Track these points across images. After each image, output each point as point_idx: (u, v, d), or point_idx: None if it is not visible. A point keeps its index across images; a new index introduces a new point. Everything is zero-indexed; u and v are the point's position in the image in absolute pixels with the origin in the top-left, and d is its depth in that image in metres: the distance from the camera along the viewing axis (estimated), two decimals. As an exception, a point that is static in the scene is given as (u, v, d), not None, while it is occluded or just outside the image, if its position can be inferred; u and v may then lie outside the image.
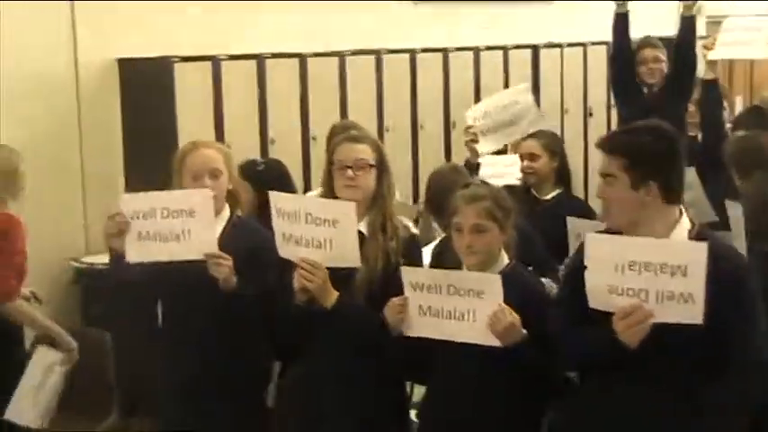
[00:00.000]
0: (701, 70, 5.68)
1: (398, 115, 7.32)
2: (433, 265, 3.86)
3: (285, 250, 3.55)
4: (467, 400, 3.34)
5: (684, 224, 3.05)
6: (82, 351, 4.74)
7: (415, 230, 3.97)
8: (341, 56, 6.97)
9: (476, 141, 5.14)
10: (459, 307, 3.24)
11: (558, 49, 8.55)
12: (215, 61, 6.27)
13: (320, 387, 3.62)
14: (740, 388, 2.99)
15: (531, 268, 3.63)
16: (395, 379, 3.70)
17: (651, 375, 2.98)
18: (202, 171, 3.73)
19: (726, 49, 5.35)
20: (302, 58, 6.72)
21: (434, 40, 7.72)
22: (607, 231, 3.15)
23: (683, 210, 3.09)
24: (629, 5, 5.93)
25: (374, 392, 3.57)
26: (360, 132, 3.95)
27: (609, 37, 6.12)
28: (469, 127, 5.22)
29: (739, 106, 9.06)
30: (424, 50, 7.53)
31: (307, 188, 6.40)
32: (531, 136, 5.02)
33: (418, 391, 4.00)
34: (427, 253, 4.06)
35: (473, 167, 4.98)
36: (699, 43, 5.79)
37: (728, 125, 6.14)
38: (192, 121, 6.05)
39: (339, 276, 3.48)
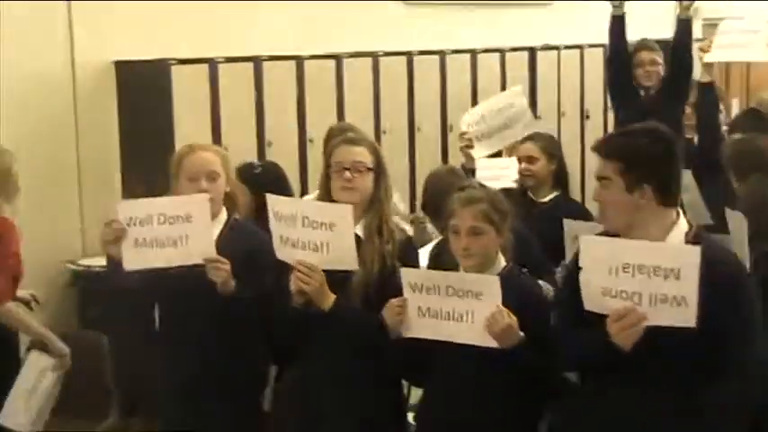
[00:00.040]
0: (698, 73, 5.68)
1: (395, 118, 7.32)
2: (431, 267, 3.86)
3: (282, 253, 3.55)
4: (465, 401, 3.34)
5: (681, 227, 3.05)
6: (79, 353, 4.73)
7: (410, 233, 3.97)
8: (338, 58, 6.98)
9: (471, 147, 5.15)
10: (457, 308, 3.24)
11: (554, 52, 8.56)
12: (212, 64, 6.27)
13: (318, 389, 3.62)
14: (738, 390, 2.99)
15: (527, 271, 3.63)
16: (392, 381, 3.70)
17: (646, 378, 2.98)
18: (199, 173, 3.73)
19: (722, 52, 5.35)
20: (299, 60, 6.73)
21: (431, 43, 7.72)
22: (604, 234, 3.16)
23: (681, 212, 3.09)
24: (626, 8, 5.93)
25: (372, 394, 3.57)
26: (357, 135, 3.96)
27: (606, 39, 6.13)
28: (464, 133, 5.23)
29: (736, 109, 9.06)
30: (421, 53, 7.54)
31: (304, 190, 6.40)
32: (528, 139, 5.03)
33: (415, 393, 4.00)
34: (424, 255, 4.06)
35: (469, 173, 4.98)
36: (695, 46, 5.80)
37: (725, 128, 6.15)
38: (188, 123, 6.05)
39: (336, 279, 3.48)
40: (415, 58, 7.48)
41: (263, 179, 4.49)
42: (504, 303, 3.19)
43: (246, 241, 3.75)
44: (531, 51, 8.39)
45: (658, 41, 6.12)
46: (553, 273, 4.23)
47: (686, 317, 2.84)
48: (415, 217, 5.11)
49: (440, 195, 4.05)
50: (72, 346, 4.81)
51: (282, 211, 3.53)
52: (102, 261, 5.78)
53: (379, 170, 3.64)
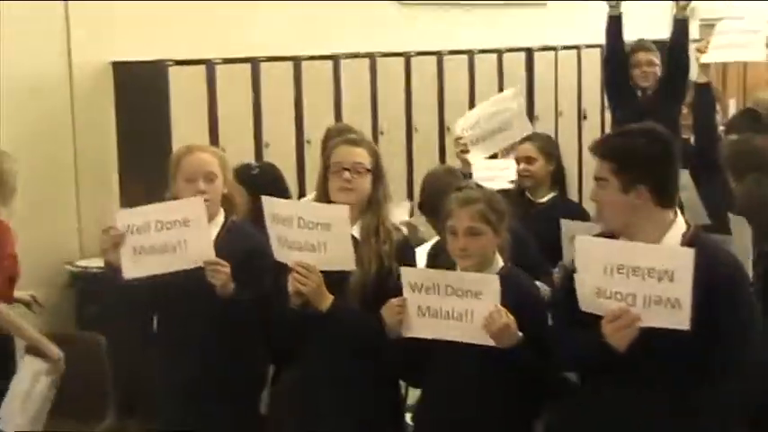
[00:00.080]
0: (694, 74, 5.69)
1: (393, 118, 7.32)
2: (429, 267, 3.86)
3: (280, 254, 3.55)
4: (465, 401, 3.34)
5: (679, 227, 3.05)
6: (77, 354, 4.73)
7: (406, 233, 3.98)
8: (335, 59, 6.98)
9: (466, 151, 5.16)
10: (457, 308, 3.24)
11: (552, 52, 8.56)
12: (209, 65, 6.27)
13: (316, 390, 3.63)
14: (736, 391, 2.99)
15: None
16: (390, 381, 3.70)
17: (641, 378, 2.99)
18: (196, 174, 3.73)
19: (719, 53, 5.36)
20: (296, 61, 6.73)
21: (428, 44, 7.73)
22: (602, 234, 3.16)
23: (678, 212, 3.09)
24: (623, 8, 5.94)
25: (370, 395, 3.58)
26: (357, 136, 3.96)
27: (603, 40, 6.14)
28: (459, 138, 5.24)
29: (733, 109, 9.06)
30: (419, 54, 7.54)
31: (301, 191, 6.40)
32: (527, 139, 5.03)
33: (413, 394, 4.00)
34: (421, 255, 4.06)
35: (466, 177, 4.99)
36: (692, 46, 5.80)
37: (721, 128, 6.15)
38: (186, 124, 6.05)
39: (333, 280, 3.48)
40: (413, 59, 7.48)
41: (260, 180, 4.49)
42: (502, 303, 3.19)
43: (244, 243, 3.75)
44: (529, 52, 8.40)
45: (655, 42, 6.13)
46: (550, 273, 4.23)
47: (680, 319, 2.85)
48: (408, 222, 5.11)
49: (437, 195, 4.05)
50: (69, 346, 4.81)
51: (279, 212, 3.53)
52: (99, 262, 5.80)
53: (377, 172, 3.64)
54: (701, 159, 5.14)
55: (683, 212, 3.14)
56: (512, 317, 3.18)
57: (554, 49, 8.58)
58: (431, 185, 4.47)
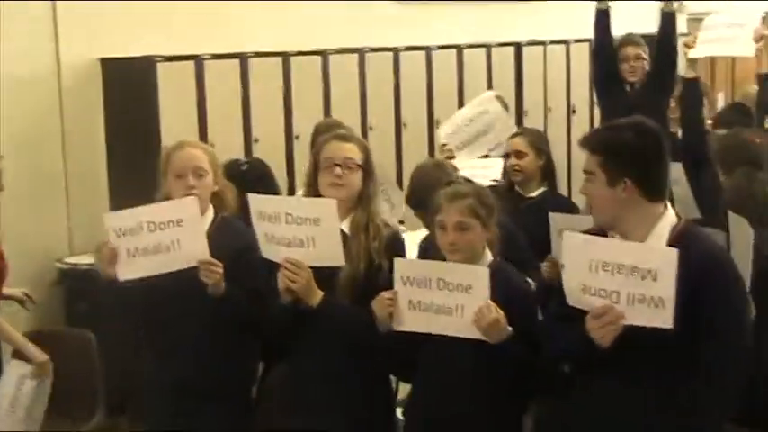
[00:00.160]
0: (682, 68, 5.70)
1: (382, 114, 7.33)
2: (420, 255, 3.87)
3: (268, 252, 3.55)
4: (455, 395, 3.34)
5: (668, 220, 3.04)
6: (66, 352, 4.73)
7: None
8: (324, 54, 6.98)
9: (452, 157, 5.17)
10: (447, 302, 3.25)
11: (540, 47, 8.57)
12: (198, 61, 6.26)
13: (306, 386, 3.62)
14: (730, 386, 2.99)
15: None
16: (381, 377, 3.70)
17: (628, 374, 2.99)
18: (186, 169, 3.72)
19: (707, 47, 5.37)
20: (285, 56, 6.73)
21: (417, 39, 7.72)
22: (594, 229, 3.17)
23: (668, 205, 3.09)
24: (611, 2, 5.94)
25: (360, 390, 3.57)
26: (347, 131, 3.96)
27: (591, 34, 6.14)
28: (444, 145, 5.26)
29: (721, 103, 9.09)
30: (408, 49, 7.54)
31: (291, 187, 6.41)
32: (517, 134, 5.05)
33: (403, 389, 4.00)
34: (411, 245, 4.04)
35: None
36: (680, 40, 5.81)
37: (709, 122, 6.17)
38: (175, 120, 6.04)
39: (323, 276, 3.48)
40: (401, 54, 7.48)
41: (249, 176, 4.49)
42: (492, 297, 3.19)
43: (235, 239, 3.74)
44: (518, 47, 8.40)
45: (643, 36, 6.13)
46: (538, 268, 4.23)
47: (663, 318, 2.85)
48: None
49: (425, 190, 4.05)
50: (59, 344, 4.81)
51: (265, 209, 3.53)
52: (88, 259, 5.83)
53: (367, 167, 3.63)
54: (689, 154, 5.15)
55: (673, 206, 3.14)
56: (501, 312, 3.19)
57: (543, 43, 8.59)
58: (419, 180, 4.47)
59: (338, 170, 3.56)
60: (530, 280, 3.89)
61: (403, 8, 8.00)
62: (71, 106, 6.20)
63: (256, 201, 3.58)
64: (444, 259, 3.41)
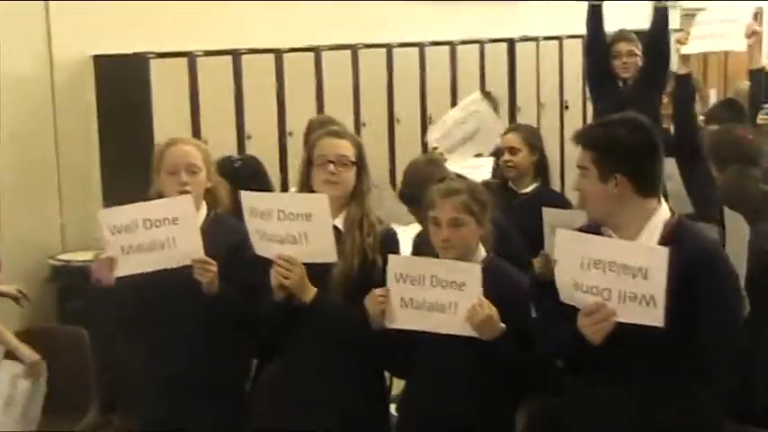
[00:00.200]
0: (675, 64, 5.70)
1: (375, 110, 7.33)
2: (415, 250, 3.86)
3: (261, 248, 3.55)
4: (448, 392, 3.34)
5: (661, 215, 3.05)
6: (59, 349, 4.72)
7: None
8: (317, 51, 6.97)
9: (444, 160, 5.17)
10: (440, 299, 3.25)
11: (533, 43, 8.58)
12: (191, 57, 6.25)
13: (300, 382, 3.62)
14: (724, 383, 3.00)
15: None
16: (375, 373, 3.70)
17: (619, 370, 3.00)
18: (179, 166, 3.72)
19: (700, 43, 5.36)
20: (278, 53, 6.72)
21: (410, 35, 7.72)
22: (588, 225, 3.17)
23: (662, 200, 3.09)
24: (603, -2, 5.96)
25: (354, 387, 3.57)
26: (340, 128, 3.96)
27: (584, 30, 6.15)
28: (435, 148, 5.26)
29: (713, 98, 9.10)
30: (400, 45, 7.54)
31: (284, 183, 6.40)
32: (510, 130, 5.06)
33: (397, 385, 4.01)
34: (405, 239, 4.04)
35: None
36: (673, 36, 5.81)
37: (701, 117, 6.17)
38: (168, 117, 6.03)
39: (316, 273, 3.48)
40: (394, 51, 7.48)
41: (242, 173, 4.49)
42: (486, 293, 3.20)
43: (228, 236, 3.73)
44: (510, 43, 8.41)
45: (636, 32, 6.14)
46: (531, 265, 4.24)
47: (654, 316, 2.86)
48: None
49: (418, 185, 4.06)
50: (52, 341, 4.81)
51: (257, 206, 3.53)
52: (81, 256, 5.83)
53: (361, 164, 3.63)
54: (682, 149, 5.15)
55: (667, 201, 3.14)
56: (494, 308, 3.19)
57: (535, 39, 8.59)
58: (412, 175, 4.47)
59: (332, 167, 3.56)
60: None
61: (395, 5, 8.00)
62: (64, 103, 6.19)
63: (248, 198, 3.58)
64: (437, 255, 3.41)
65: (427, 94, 7.66)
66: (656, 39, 5.86)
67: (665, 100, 5.85)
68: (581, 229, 3.21)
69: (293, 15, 7.15)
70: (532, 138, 4.95)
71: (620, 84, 5.98)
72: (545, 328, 3.19)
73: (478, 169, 5.01)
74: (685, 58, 5.38)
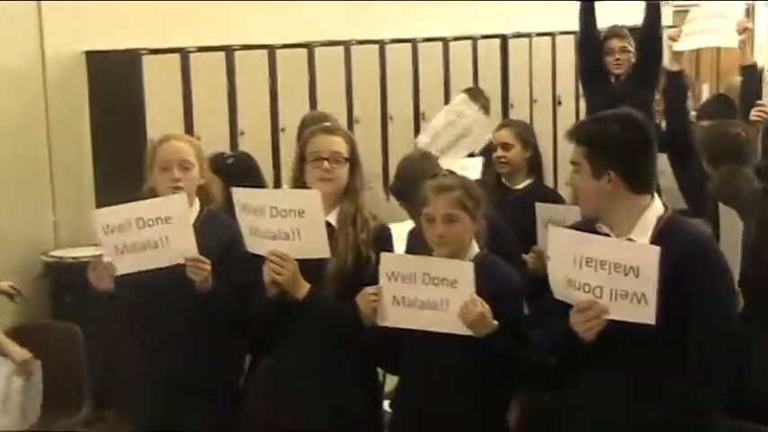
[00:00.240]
0: (667, 61, 5.71)
1: (368, 106, 7.32)
2: (409, 244, 3.86)
3: (253, 245, 3.55)
4: (441, 389, 3.34)
5: (654, 211, 3.05)
6: (53, 345, 4.72)
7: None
8: (310, 47, 6.97)
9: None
10: (432, 297, 3.25)
11: (526, 39, 8.58)
12: (183, 53, 6.25)
13: (293, 379, 3.62)
14: (712, 377, 2.99)
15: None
16: (368, 369, 3.70)
17: (612, 367, 3.01)
18: (171, 162, 3.72)
19: (691, 39, 5.36)
20: (271, 49, 6.72)
21: (403, 31, 7.72)
22: (581, 221, 3.17)
23: (655, 196, 3.09)
24: (596, -6, 5.96)
25: (347, 383, 3.57)
26: (333, 124, 3.96)
27: (577, 26, 6.15)
28: None
29: (706, 94, 9.11)
30: (393, 41, 7.54)
31: (277, 179, 6.40)
32: (503, 126, 5.05)
33: (390, 381, 4.01)
34: (398, 236, 4.04)
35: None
36: (665, 33, 5.82)
37: (693, 113, 6.18)
38: (160, 113, 6.03)
39: (309, 269, 3.48)
40: (387, 47, 7.48)
41: (235, 170, 4.49)
42: (479, 289, 3.20)
43: (221, 233, 3.73)
44: (503, 39, 8.41)
45: (629, 28, 6.15)
46: (524, 261, 4.25)
47: (646, 314, 2.87)
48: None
49: (410, 181, 4.07)
50: (45, 337, 4.80)
51: (250, 202, 3.53)
52: (74, 252, 5.82)
53: (354, 160, 3.64)
54: (674, 145, 5.16)
55: (660, 197, 3.15)
56: (487, 306, 3.19)
57: (528, 36, 8.59)
58: (404, 170, 4.47)
59: (326, 164, 3.56)
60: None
61: (388, 1, 7.99)
62: (56, 100, 6.18)
63: (240, 194, 3.57)
64: (430, 251, 3.41)
65: (420, 91, 7.66)
66: (649, 35, 5.87)
67: (657, 96, 5.86)
68: (575, 226, 3.22)
69: (286, 12, 7.15)
70: (525, 134, 4.95)
71: (613, 80, 5.99)
72: (538, 323, 3.19)
73: (468, 170, 5.01)
74: (677, 55, 5.39)
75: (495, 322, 3.20)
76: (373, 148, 7.19)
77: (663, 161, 4.70)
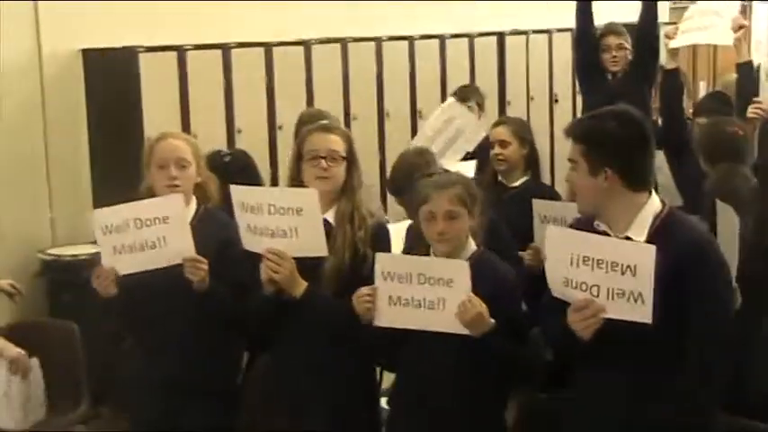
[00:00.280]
0: (663, 58, 5.71)
1: (364, 103, 7.32)
2: (407, 243, 3.87)
3: (250, 243, 3.55)
4: (439, 387, 3.34)
5: (652, 208, 3.05)
6: (50, 342, 4.72)
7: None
8: (306, 44, 6.96)
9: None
10: (428, 296, 3.25)
11: (523, 37, 8.57)
12: (180, 51, 6.24)
13: (291, 377, 3.62)
14: (710, 374, 2.99)
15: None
16: (365, 367, 3.71)
17: (610, 365, 3.01)
18: (168, 160, 3.72)
19: (687, 36, 5.38)
20: (268, 47, 6.71)
21: (400, 29, 7.72)
22: (582, 216, 3.18)
23: (653, 193, 3.09)
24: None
25: (345, 381, 3.58)
26: (331, 122, 3.95)
27: (573, 24, 6.15)
28: None
29: (703, 91, 9.12)
30: (390, 39, 7.53)
31: (274, 177, 6.40)
32: (500, 123, 5.05)
33: (388, 378, 4.01)
34: (396, 236, 4.04)
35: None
36: (662, 30, 5.83)
37: (690, 110, 6.19)
38: (157, 111, 6.02)
39: (307, 267, 3.48)
40: (384, 44, 7.47)
41: (232, 167, 4.49)
42: (476, 287, 3.20)
43: (218, 231, 3.73)
44: (500, 36, 8.40)
45: (625, 25, 6.15)
46: (520, 259, 4.25)
47: (642, 313, 2.87)
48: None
49: (404, 176, 4.08)
50: (42, 334, 4.81)
51: (248, 200, 3.53)
52: (71, 250, 5.82)
53: (351, 158, 3.64)
54: (670, 142, 5.17)
55: (657, 194, 3.15)
56: (484, 305, 3.19)
57: (525, 33, 8.59)
58: (399, 165, 4.48)
59: (324, 163, 3.56)
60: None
61: (385, -2, 7.99)
62: (53, 98, 6.18)
63: (238, 192, 3.58)
64: (427, 248, 3.41)
65: (417, 88, 7.65)
66: (646, 32, 5.88)
67: (654, 94, 5.87)
68: (573, 224, 3.22)
69: (283, 9, 7.14)
70: (522, 131, 4.95)
71: (610, 77, 6.00)
72: (545, 319, 3.20)
73: (462, 172, 5.01)
74: (674, 53, 5.40)
75: (493, 321, 3.20)
76: (370, 146, 7.18)
77: (659, 158, 4.71)
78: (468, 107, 5.77)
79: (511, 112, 8.03)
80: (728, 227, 3.84)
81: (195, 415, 3.71)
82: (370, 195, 4.81)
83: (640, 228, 3.02)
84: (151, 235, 3.57)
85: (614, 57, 5.93)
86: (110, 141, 6.20)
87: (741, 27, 5.21)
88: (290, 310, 3.52)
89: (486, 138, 5.11)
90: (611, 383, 3.02)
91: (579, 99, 6.98)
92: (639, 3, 5.97)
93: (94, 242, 3.69)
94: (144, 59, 6.06)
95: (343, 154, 3.60)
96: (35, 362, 4.55)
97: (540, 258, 3.99)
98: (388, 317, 3.33)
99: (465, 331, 3.20)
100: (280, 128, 6.63)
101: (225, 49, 6.47)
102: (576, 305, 2.96)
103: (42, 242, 6.08)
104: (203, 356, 3.74)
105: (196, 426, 3.72)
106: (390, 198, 4.84)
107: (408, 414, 3.47)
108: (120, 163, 5.69)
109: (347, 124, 6.83)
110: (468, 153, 5.30)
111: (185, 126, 6.09)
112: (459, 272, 3.21)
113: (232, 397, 3.89)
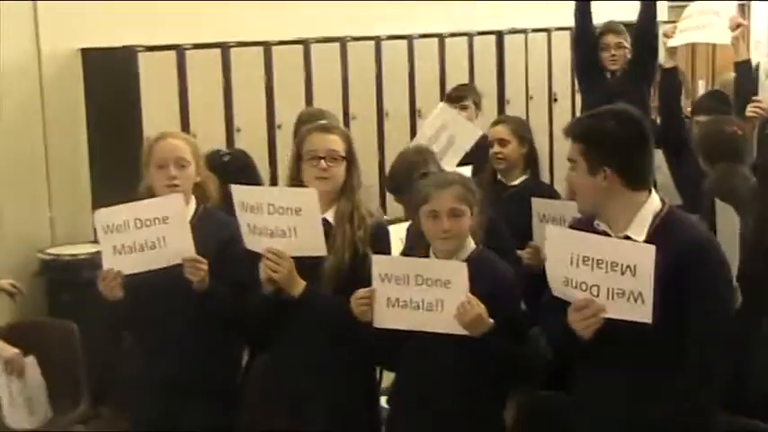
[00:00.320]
0: (662, 57, 5.72)
1: (364, 103, 7.31)
2: (407, 243, 3.87)
3: (251, 242, 3.55)
4: (438, 387, 3.35)
5: (651, 207, 3.05)
6: (49, 342, 4.72)
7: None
8: (305, 44, 6.96)
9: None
10: (427, 297, 3.25)
11: (522, 35, 8.57)
12: (179, 50, 6.24)
13: (290, 376, 3.63)
14: (711, 373, 2.99)
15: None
16: (365, 366, 3.71)
17: (610, 365, 3.01)
18: (167, 160, 3.72)
19: (685, 35, 5.38)
20: (267, 46, 6.71)
21: (399, 28, 7.72)
22: (582, 215, 3.18)
23: (652, 191, 3.09)
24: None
25: (344, 380, 3.58)
26: (330, 122, 3.95)
27: (572, 22, 6.15)
28: None
29: (702, 89, 9.12)
30: (389, 38, 7.53)
31: (273, 176, 6.40)
32: (499, 121, 5.05)
33: (387, 377, 4.01)
34: (396, 236, 4.05)
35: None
36: (660, 29, 5.83)
37: (688, 109, 6.19)
38: (156, 111, 6.02)
39: (306, 266, 3.48)
40: (383, 43, 7.47)
41: (231, 167, 4.49)
42: (475, 286, 3.20)
43: (218, 230, 3.73)
44: (499, 35, 8.40)
45: (624, 24, 6.15)
46: (519, 258, 4.25)
47: (642, 313, 2.88)
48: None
49: (403, 174, 4.08)
50: (42, 334, 4.81)
51: (248, 200, 3.53)
52: (70, 250, 5.82)
53: (350, 158, 3.64)
54: (668, 142, 5.17)
55: (657, 192, 3.15)
56: (483, 306, 3.19)
57: (524, 32, 8.59)
58: (398, 164, 4.48)
59: (323, 163, 3.56)
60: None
61: (384, -3, 7.99)
62: (52, 97, 6.18)
63: (239, 191, 3.58)
64: (427, 248, 3.41)
65: (416, 87, 7.65)
66: (645, 31, 5.88)
67: (653, 92, 5.87)
68: (573, 224, 3.22)
69: (282, 8, 7.14)
70: (521, 129, 4.95)
71: (609, 76, 6.00)
72: (546, 319, 3.20)
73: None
74: (672, 52, 5.40)
75: (492, 321, 3.20)
76: (369, 145, 7.18)
77: (658, 157, 4.71)
78: (465, 106, 5.77)
79: (510, 110, 8.03)
80: (728, 226, 3.84)
81: (195, 415, 3.71)
82: (370, 195, 4.81)
83: (640, 227, 3.02)
84: (151, 235, 3.58)
85: (613, 55, 5.93)
86: (109, 141, 6.20)
87: (739, 26, 5.21)
88: (290, 310, 3.52)
89: (485, 137, 5.11)
90: (611, 383, 3.02)
91: (578, 98, 6.98)
92: (638, 2, 5.97)
93: (94, 242, 3.70)
94: (143, 59, 6.05)
95: (343, 154, 3.60)
96: (34, 362, 4.55)
97: (539, 257, 4.00)
98: (386, 318, 3.33)
99: (464, 332, 3.21)
100: (279, 127, 6.63)
101: (224, 48, 6.47)
102: (576, 305, 2.96)
103: (42, 242, 6.08)
104: (203, 356, 3.74)
105: (196, 425, 3.72)
106: (390, 198, 4.84)
107: (408, 413, 3.47)
108: (119, 162, 5.69)
109: (346, 124, 6.83)
110: (465, 153, 5.30)
111: (184, 125, 6.09)
112: (457, 273, 3.21)
113: (232, 397, 3.89)
